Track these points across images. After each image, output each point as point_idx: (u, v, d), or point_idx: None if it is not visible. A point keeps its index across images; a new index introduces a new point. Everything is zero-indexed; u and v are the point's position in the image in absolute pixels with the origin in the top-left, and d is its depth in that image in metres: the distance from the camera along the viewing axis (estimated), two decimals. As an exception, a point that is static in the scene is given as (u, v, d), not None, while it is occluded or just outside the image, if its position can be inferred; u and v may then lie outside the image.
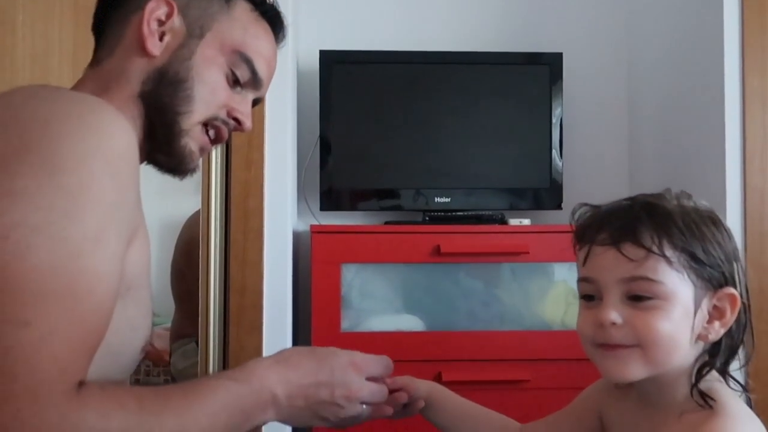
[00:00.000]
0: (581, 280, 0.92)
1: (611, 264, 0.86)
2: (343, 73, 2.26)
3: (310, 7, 2.42)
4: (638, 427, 0.93)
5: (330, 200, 2.25)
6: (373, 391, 1.00)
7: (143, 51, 0.98)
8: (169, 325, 2.64)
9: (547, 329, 2.03)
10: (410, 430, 1.91)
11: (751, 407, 0.88)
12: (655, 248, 0.84)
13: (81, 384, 0.76)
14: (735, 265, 0.88)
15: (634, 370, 0.87)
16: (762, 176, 1.85)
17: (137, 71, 0.98)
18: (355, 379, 0.98)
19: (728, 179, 1.86)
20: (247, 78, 1.03)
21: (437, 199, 2.27)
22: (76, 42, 1.01)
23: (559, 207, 2.29)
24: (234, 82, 1.03)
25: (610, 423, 1.00)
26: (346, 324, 2.00)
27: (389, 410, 1.05)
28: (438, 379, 1.91)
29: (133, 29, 0.99)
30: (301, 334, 2.16)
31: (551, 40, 2.46)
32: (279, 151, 1.93)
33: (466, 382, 1.93)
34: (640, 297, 0.85)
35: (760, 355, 1.61)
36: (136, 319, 0.92)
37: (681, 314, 0.85)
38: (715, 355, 0.88)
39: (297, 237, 2.17)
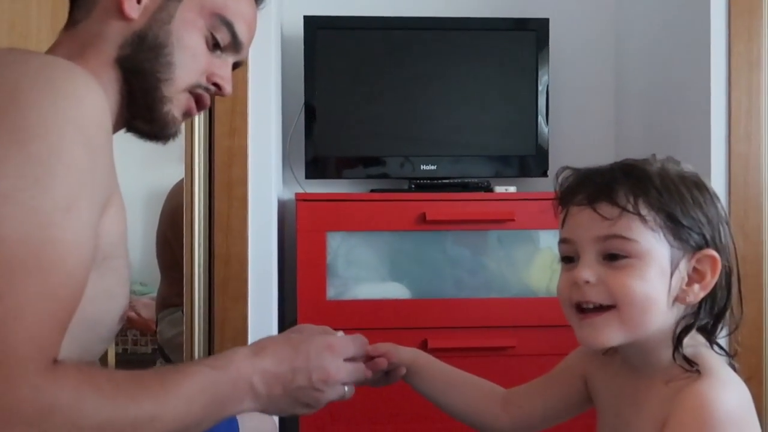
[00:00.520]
0: (560, 241, 0.92)
1: (587, 223, 0.87)
2: (327, 39, 2.24)
3: (293, -28, 2.38)
4: (624, 392, 0.93)
5: (315, 168, 2.24)
6: (351, 371, 0.99)
7: (121, 14, 0.95)
8: (155, 294, 2.64)
9: (533, 296, 2.03)
10: (398, 406, 1.92)
11: (736, 373, 0.87)
12: (629, 206, 0.84)
13: (56, 362, 0.75)
14: (721, 229, 0.87)
15: (610, 335, 0.87)
16: (747, 142, 1.85)
17: (114, 35, 0.95)
18: (332, 362, 0.96)
19: (713, 146, 1.86)
20: (227, 42, 1.02)
21: (423, 167, 2.26)
22: (54, 7, 0.99)
23: (545, 174, 2.29)
24: (214, 45, 1.01)
25: (595, 388, 1.00)
26: (332, 292, 2.00)
27: (368, 373, 1.04)
28: (424, 346, 1.92)
29: None
30: (287, 303, 2.16)
31: (538, 6, 2.43)
32: (263, 118, 1.91)
33: (452, 349, 1.94)
34: (615, 256, 0.85)
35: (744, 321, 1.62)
36: (114, 288, 0.91)
37: (656, 274, 0.85)
38: (697, 319, 0.87)
39: (282, 205, 2.16)
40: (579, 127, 2.48)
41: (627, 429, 0.91)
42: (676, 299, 0.86)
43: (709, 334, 0.89)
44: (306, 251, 1.96)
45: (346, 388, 0.99)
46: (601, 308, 0.86)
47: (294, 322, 2.00)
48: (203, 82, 1.01)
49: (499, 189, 2.14)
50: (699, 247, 0.85)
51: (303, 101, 2.25)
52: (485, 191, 2.18)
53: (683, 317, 0.87)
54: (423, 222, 2.00)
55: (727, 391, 0.82)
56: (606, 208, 0.85)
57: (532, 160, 2.30)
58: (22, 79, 0.79)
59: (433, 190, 2.20)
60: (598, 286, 0.86)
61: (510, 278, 2.08)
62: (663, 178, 0.86)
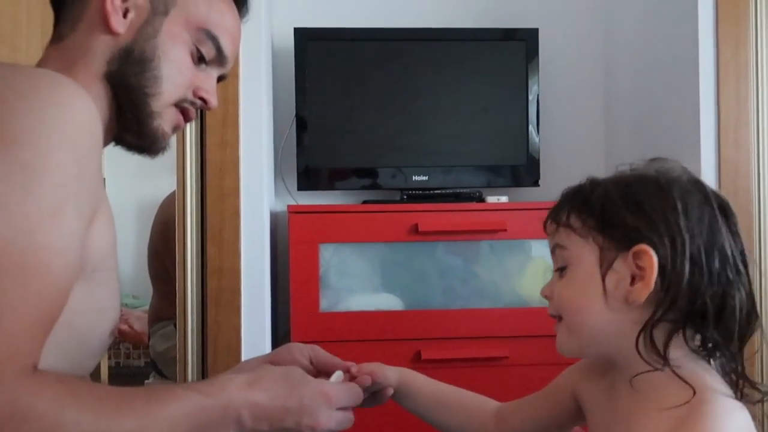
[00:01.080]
0: None
1: (549, 238, 0.93)
2: (318, 51, 2.24)
3: (283, -16, 2.39)
4: (616, 412, 0.90)
5: (307, 180, 2.24)
6: (340, 421, 0.98)
7: (107, 28, 0.95)
8: (147, 307, 2.62)
9: (526, 306, 2.04)
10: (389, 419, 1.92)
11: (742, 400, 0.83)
12: (563, 220, 0.89)
13: (35, 369, 0.74)
14: (672, 223, 0.82)
15: (563, 343, 0.90)
16: (736, 149, 1.87)
17: (102, 49, 0.96)
18: (324, 410, 0.95)
19: (703, 153, 1.87)
20: (212, 55, 1.02)
21: (415, 178, 2.26)
22: (44, 20, 0.99)
23: (536, 184, 2.29)
24: (199, 59, 1.01)
25: (587, 406, 0.99)
26: (325, 304, 1.99)
27: (353, 422, 1.03)
28: (417, 357, 1.92)
29: (96, 4, 0.96)
30: (280, 315, 2.16)
31: (527, 16, 2.45)
32: (254, 130, 1.91)
33: (445, 360, 1.94)
34: (561, 268, 0.89)
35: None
36: (104, 300, 0.91)
37: (584, 278, 0.86)
38: (659, 319, 0.82)
39: (274, 217, 2.16)
40: (570, 137, 2.49)
41: None
42: (627, 301, 0.83)
43: (708, 349, 0.84)
44: (299, 263, 1.96)
45: None
46: (560, 318, 0.91)
47: (287, 334, 1.99)
48: (189, 96, 1.01)
49: (491, 199, 2.14)
50: (634, 244, 0.83)
51: (294, 113, 2.25)
52: (477, 201, 2.19)
53: (653, 324, 0.83)
54: (415, 233, 2.00)
55: (728, 420, 0.79)
56: (550, 226, 0.92)
57: (524, 170, 2.30)
58: (8, 89, 0.79)
59: (425, 201, 2.20)
60: (552, 300, 0.91)
61: (503, 288, 2.08)
62: (599, 185, 0.88)
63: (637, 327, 0.83)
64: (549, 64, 2.41)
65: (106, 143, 1.00)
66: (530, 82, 2.30)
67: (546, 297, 0.92)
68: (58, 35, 0.99)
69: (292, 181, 2.28)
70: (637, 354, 0.83)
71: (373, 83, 2.28)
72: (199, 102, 1.03)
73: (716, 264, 0.82)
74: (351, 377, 1.06)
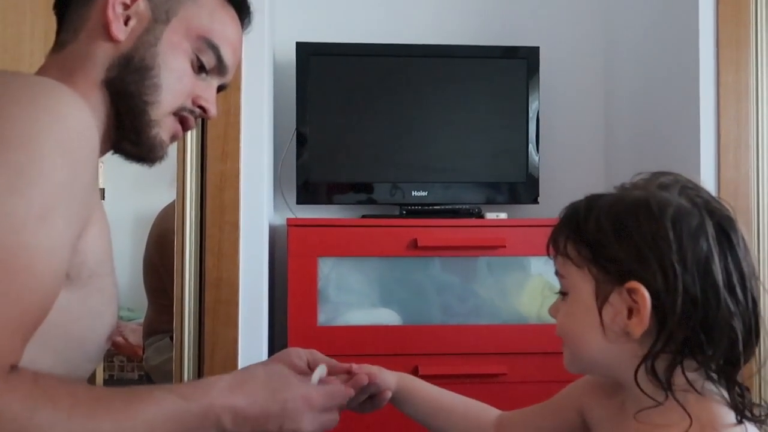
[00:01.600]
0: None
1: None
2: (319, 66, 2.25)
3: (286, -2, 2.40)
4: None
5: (307, 194, 2.24)
6: (324, 423, 0.98)
7: (108, 35, 0.96)
8: (142, 320, 2.61)
9: (524, 323, 2.03)
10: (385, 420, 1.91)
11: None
12: (560, 247, 0.88)
13: (13, 369, 0.74)
14: (663, 258, 0.80)
15: (568, 362, 0.91)
16: (736, 170, 1.87)
17: (102, 56, 0.96)
18: (306, 415, 0.95)
19: (703, 173, 1.88)
20: (212, 65, 1.02)
21: (414, 193, 2.27)
22: (47, 30, 0.99)
23: (535, 201, 2.30)
24: (199, 68, 1.01)
25: (594, 424, 0.98)
26: (323, 318, 1.99)
27: (351, 391, 1.03)
28: (415, 373, 1.90)
29: (97, 12, 0.96)
30: (278, 329, 2.15)
31: (528, 34, 2.46)
32: (255, 143, 1.91)
33: (443, 376, 1.93)
34: (563, 293, 0.89)
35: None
36: (100, 307, 0.90)
37: (582, 309, 0.86)
38: (657, 353, 0.81)
39: (273, 230, 2.16)
40: (569, 155, 2.49)
41: None
42: (625, 335, 0.83)
43: (713, 375, 0.83)
44: (297, 276, 1.96)
45: None
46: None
47: (284, 348, 1.98)
48: (189, 104, 1.01)
49: (490, 215, 2.14)
50: (626, 280, 0.82)
51: (294, 126, 2.25)
52: (476, 217, 2.19)
53: (653, 356, 0.82)
54: (414, 248, 2.00)
55: None
56: (551, 249, 0.91)
57: (523, 187, 2.31)
58: (5, 96, 0.79)
59: (424, 216, 2.20)
60: (557, 322, 0.91)
61: (501, 305, 2.08)
62: (592, 212, 0.85)
63: (636, 359, 0.82)
64: (549, 82, 2.42)
65: (104, 152, 1.00)
66: (530, 100, 2.30)
67: (552, 316, 0.92)
68: (60, 42, 0.99)
69: (292, 194, 2.28)
70: (638, 384, 0.82)
71: (374, 98, 2.29)
72: (198, 111, 1.03)
73: (712, 294, 0.80)
74: (349, 377, 1.06)
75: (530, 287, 2.05)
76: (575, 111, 2.52)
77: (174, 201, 1.95)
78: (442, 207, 2.26)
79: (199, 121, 1.81)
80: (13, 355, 0.74)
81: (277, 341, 2.13)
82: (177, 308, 1.87)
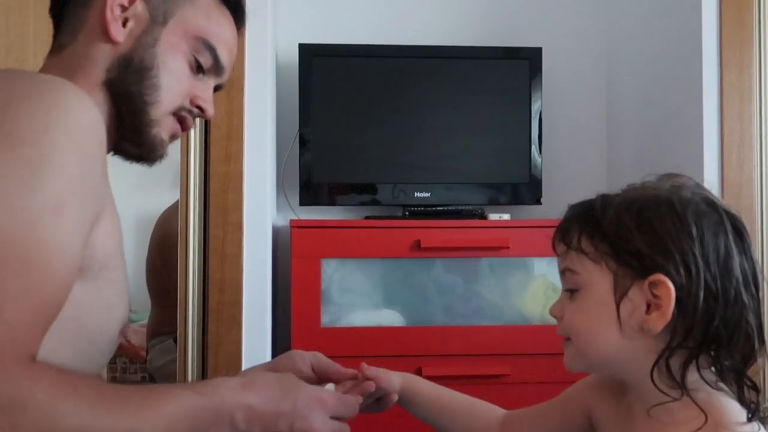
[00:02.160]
0: None
1: (558, 259, 0.91)
2: (322, 67, 2.25)
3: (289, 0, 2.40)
4: None
5: (309, 195, 2.24)
6: (335, 430, 0.98)
7: (107, 37, 0.97)
8: (146, 321, 2.61)
9: (527, 323, 2.03)
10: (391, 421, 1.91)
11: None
12: (573, 243, 0.87)
13: (35, 359, 0.75)
14: (687, 251, 0.80)
15: (571, 360, 0.90)
16: (739, 171, 1.87)
17: (101, 58, 0.97)
18: (318, 416, 0.95)
19: (706, 174, 1.87)
20: (209, 65, 1.04)
21: (417, 194, 2.26)
22: (51, 33, 1.00)
23: (538, 202, 2.29)
24: (196, 69, 1.03)
25: (600, 425, 0.97)
26: (326, 319, 1.99)
27: (359, 399, 1.03)
28: (418, 373, 1.86)
29: (96, 14, 0.97)
30: (281, 330, 2.15)
31: (531, 35, 2.46)
32: (258, 144, 1.91)
33: (447, 377, 1.92)
34: (572, 290, 0.88)
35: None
36: (111, 299, 0.91)
37: (597, 305, 0.84)
38: (674, 348, 0.81)
39: (276, 232, 2.16)
40: (572, 155, 2.49)
41: None
42: (642, 330, 0.82)
43: (724, 373, 0.83)
44: (300, 278, 1.96)
45: None
46: (568, 338, 0.90)
47: (288, 349, 1.98)
48: (187, 104, 1.03)
49: (493, 216, 2.14)
50: (649, 273, 0.81)
51: (297, 128, 2.26)
52: (479, 218, 2.18)
53: (669, 351, 0.82)
54: (417, 249, 2.00)
55: None
56: (559, 246, 0.90)
57: (525, 188, 2.31)
58: (14, 94, 0.80)
59: (427, 218, 2.20)
60: (561, 321, 0.90)
61: (504, 306, 2.07)
62: (611, 207, 0.85)
63: (651, 355, 0.82)
64: (552, 83, 2.42)
65: (106, 152, 1.01)
66: (533, 101, 2.30)
67: (555, 316, 0.91)
68: (58, 45, 1.00)
69: (294, 196, 2.28)
70: (652, 383, 0.82)
71: (376, 99, 2.29)
72: (196, 111, 1.04)
73: (731, 290, 0.80)
74: (357, 382, 1.06)
75: (533, 288, 2.05)
76: (578, 112, 2.52)
77: (176, 203, 1.95)
78: (445, 208, 2.26)
79: (201, 122, 1.83)
80: (33, 344, 0.75)
81: (280, 342, 2.13)
82: (180, 309, 1.88)
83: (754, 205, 1.86)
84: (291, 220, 2.01)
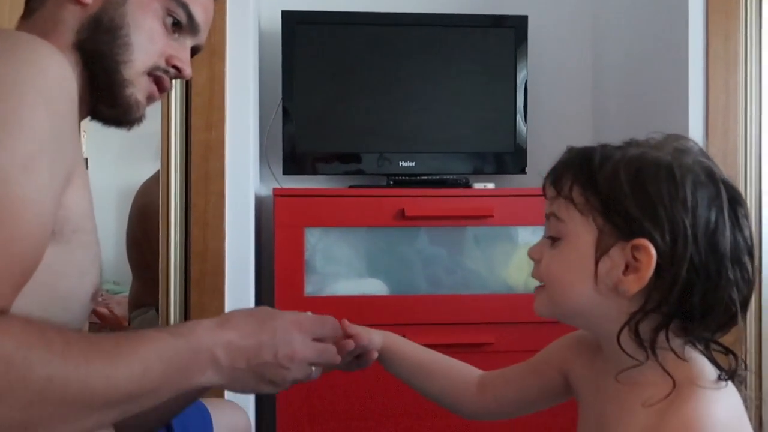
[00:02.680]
0: None
1: (545, 202, 0.90)
2: (305, 34, 2.22)
3: (271, -34, 2.37)
4: (608, 396, 0.89)
5: (293, 164, 2.22)
6: (318, 351, 0.97)
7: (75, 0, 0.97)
8: (128, 293, 2.60)
9: (511, 292, 2.04)
10: (376, 403, 1.91)
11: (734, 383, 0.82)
12: (564, 190, 0.85)
13: (4, 312, 0.73)
14: (679, 220, 0.79)
15: (541, 306, 0.90)
16: (725, 140, 1.87)
17: (71, 20, 0.97)
18: (298, 339, 0.94)
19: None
20: (184, 23, 1.03)
21: (401, 163, 2.25)
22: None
23: (523, 171, 2.29)
24: (171, 27, 1.02)
25: (577, 383, 0.98)
26: (310, 288, 1.98)
27: (337, 358, 1.02)
28: (402, 342, 1.91)
29: None
30: (264, 299, 2.14)
31: (516, 3, 2.44)
32: (240, 112, 1.89)
33: (430, 346, 1.90)
34: (554, 238, 0.87)
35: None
36: (83, 263, 0.90)
37: (576, 256, 0.84)
38: (648, 314, 0.81)
39: (259, 201, 2.14)
40: (557, 124, 2.48)
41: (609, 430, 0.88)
42: (616, 289, 0.82)
43: (694, 340, 0.83)
44: (284, 247, 1.95)
45: (313, 369, 0.97)
46: (542, 284, 0.90)
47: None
48: (162, 64, 1.02)
49: (478, 185, 2.14)
50: (634, 236, 0.80)
51: (280, 96, 2.23)
52: (464, 188, 2.18)
53: (641, 314, 0.81)
54: (401, 218, 1.99)
55: (712, 403, 0.78)
56: (549, 190, 0.89)
57: (510, 157, 2.30)
58: None
59: (412, 187, 2.19)
60: (539, 264, 0.89)
61: (488, 275, 2.08)
62: (610, 162, 0.83)
63: (623, 316, 0.82)
64: (537, 52, 2.41)
65: (82, 117, 1.00)
66: (518, 69, 2.29)
67: (533, 259, 0.90)
68: (28, 10, 1.00)
69: (278, 165, 2.26)
70: (620, 338, 0.82)
71: (360, 67, 2.27)
72: (173, 71, 1.04)
73: (715, 265, 0.80)
74: (338, 337, 1.05)
75: (517, 257, 2.05)
76: (563, 81, 2.51)
77: (155, 173, 1.93)
78: (430, 177, 2.25)
79: (183, 89, 1.80)
80: (3, 300, 0.73)
81: (264, 312, 2.13)
82: (162, 280, 1.86)
83: (738, 174, 1.86)
84: (274, 189, 1.99)
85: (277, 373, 0.93)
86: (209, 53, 1.80)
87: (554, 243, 0.87)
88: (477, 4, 2.43)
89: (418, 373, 1.11)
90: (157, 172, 1.93)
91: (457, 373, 1.11)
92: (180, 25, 1.03)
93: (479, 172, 2.29)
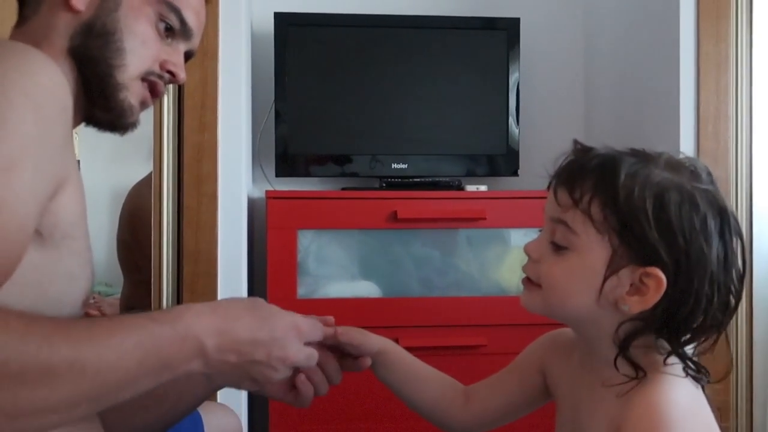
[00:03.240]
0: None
1: (550, 203, 0.87)
2: (298, 36, 2.22)
3: (264, -32, 2.36)
4: (582, 390, 0.91)
5: (285, 166, 2.22)
6: (309, 356, 0.96)
7: (67, 6, 0.96)
8: (119, 295, 2.60)
9: (504, 294, 2.04)
10: (368, 406, 1.91)
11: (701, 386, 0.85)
12: (582, 203, 0.82)
13: None
14: (692, 251, 0.80)
15: (533, 304, 0.89)
16: (715, 140, 1.88)
17: (64, 27, 0.97)
18: (294, 343, 0.92)
19: (682, 144, 1.88)
20: (176, 28, 1.03)
21: (394, 165, 2.25)
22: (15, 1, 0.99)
23: (515, 173, 2.29)
24: (164, 32, 1.02)
25: (554, 382, 0.99)
26: (303, 290, 1.98)
27: (314, 364, 0.99)
28: (395, 344, 1.91)
29: None
30: (257, 301, 2.14)
31: (509, 5, 2.44)
32: (233, 113, 1.89)
33: (424, 348, 1.92)
34: (559, 246, 0.85)
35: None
36: (74, 269, 0.89)
37: (584, 271, 0.83)
38: (642, 329, 0.83)
39: (252, 204, 2.14)
40: (549, 127, 2.49)
41: (582, 427, 0.90)
42: (615, 306, 0.83)
43: (672, 345, 0.84)
44: (276, 249, 1.95)
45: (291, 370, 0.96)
46: (535, 283, 0.89)
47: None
48: (156, 69, 1.02)
49: (470, 188, 2.14)
50: (648, 263, 0.80)
51: (273, 98, 2.23)
52: (456, 190, 2.18)
53: (627, 321, 0.83)
54: (394, 220, 1.99)
55: (674, 388, 0.81)
56: (563, 196, 0.85)
57: (503, 160, 2.30)
58: None
59: (404, 189, 2.19)
60: (537, 264, 0.88)
61: (481, 277, 2.08)
62: (635, 182, 0.81)
63: (614, 324, 0.84)
64: (530, 54, 2.41)
65: (77, 123, 1.00)
66: (511, 72, 2.29)
67: (530, 256, 0.89)
68: (21, 18, 1.00)
69: (271, 167, 2.26)
70: (611, 348, 0.84)
71: (353, 70, 2.27)
72: (167, 76, 1.03)
73: (719, 297, 0.81)
74: (335, 341, 1.04)
75: (510, 259, 2.06)
76: (555, 83, 2.51)
77: (146, 176, 1.93)
78: (422, 179, 2.25)
79: (175, 91, 1.79)
80: None
81: (256, 314, 2.12)
82: (155, 281, 1.86)
83: (729, 177, 1.87)
84: (267, 191, 1.99)
85: (264, 373, 0.91)
86: (202, 55, 1.79)
87: (560, 251, 0.85)
88: (469, 7, 2.43)
89: (411, 382, 1.10)
90: (147, 175, 1.93)
91: (448, 384, 1.10)
92: (173, 30, 1.03)
93: (472, 174, 2.30)
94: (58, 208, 0.83)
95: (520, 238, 2.05)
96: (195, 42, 1.08)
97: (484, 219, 2.02)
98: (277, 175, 2.22)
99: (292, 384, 1.03)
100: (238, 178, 1.90)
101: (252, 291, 2.08)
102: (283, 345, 0.91)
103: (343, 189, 2.24)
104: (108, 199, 2.95)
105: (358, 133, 2.27)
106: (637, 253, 0.81)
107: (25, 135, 0.76)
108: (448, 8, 2.42)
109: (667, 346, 0.85)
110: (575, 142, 0.90)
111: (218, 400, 1.65)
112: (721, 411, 1.82)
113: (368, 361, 1.09)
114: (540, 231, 0.91)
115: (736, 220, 0.84)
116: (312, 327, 0.98)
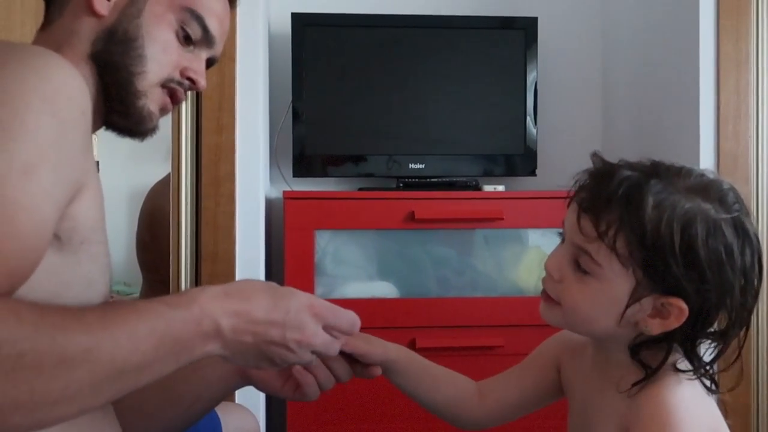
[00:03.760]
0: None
1: (571, 226, 0.86)
2: (315, 37, 2.22)
3: (281, -32, 2.37)
4: (594, 388, 0.92)
5: (303, 166, 2.23)
6: (326, 342, 0.92)
7: (91, 11, 0.97)
8: (138, 295, 2.61)
9: (521, 295, 2.03)
10: (384, 406, 1.91)
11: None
12: (607, 237, 0.81)
13: None
14: (713, 288, 0.80)
15: (553, 319, 0.90)
16: (735, 141, 1.86)
17: (86, 31, 0.97)
18: (310, 324, 0.89)
19: (702, 145, 1.86)
20: (198, 36, 1.03)
21: (411, 165, 2.25)
22: (38, 4, 0.99)
23: (533, 173, 2.28)
24: (185, 40, 1.02)
25: (567, 378, 1.00)
26: (320, 291, 1.98)
27: (336, 353, 0.97)
28: (412, 345, 1.91)
29: None
30: (274, 302, 2.14)
31: (526, 5, 2.43)
32: (251, 115, 1.89)
33: (441, 349, 1.93)
34: (583, 270, 0.85)
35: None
36: (93, 275, 0.89)
37: (607, 299, 0.84)
38: (661, 340, 0.84)
39: (270, 204, 2.15)
40: (567, 127, 2.48)
41: (592, 426, 0.91)
42: (636, 325, 0.84)
43: (685, 352, 0.86)
44: (294, 249, 1.95)
45: (315, 357, 0.94)
46: (554, 299, 0.89)
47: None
48: (176, 76, 1.02)
49: (488, 188, 2.13)
50: (671, 293, 0.81)
51: (290, 99, 2.23)
52: (473, 190, 2.18)
53: (643, 334, 0.85)
54: (411, 221, 1.99)
55: (684, 389, 0.83)
56: (587, 225, 0.83)
57: (520, 159, 2.30)
58: None
59: (421, 189, 2.19)
60: (557, 284, 0.88)
61: (498, 277, 2.07)
62: (661, 215, 0.79)
63: (631, 336, 0.86)
64: (547, 54, 2.40)
65: (96, 127, 1.00)
66: (528, 71, 2.28)
67: (551, 273, 0.88)
68: (47, 21, 1.01)
69: (288, 167, 2.26)
70: (625, 354, 0.86)
71: (370, 70, 2.27)
72: (187, 83, 1.03)
73: (738, 319, 0.83)
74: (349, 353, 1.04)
75: (527, 259, 2.05)
76: (574, 82, 2.50)
77: (165, 176, 1.94)
78: (440, 179, 2.25)
79: (193, 93, 1.80)
80: None
81: (274, 314, 2.13)
82: (173, 282, 1.87)
83: (749, 177, 1.85)
84: (284, 192, 2.00)
85: (280, 354, 0.89)
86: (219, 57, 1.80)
87: (583, 277, 0.85)
88: (486, 6, 2.42)
89: (423, 385, 1.09)
90: (166, 175, 1.94)
91: (460, 383, 1.10)
92: (195, 37, 1.02)
93: (489, 174, 2.29)
94: (77, 212, 0.84)
95: (538, 238, 2.05)
96: (218, 49, 1.07)
97: (502, 219, 2.02)
98: (294, 176, 2.23)
99: (286, 376, 1.04)
100: (255, 179, 1.90)
101: (270, 291, 2.08)
102: (298, 325, 0.88)
103: (360, 189, 2.24)
104: (126, 199, 2.97)
105: (375, 134, 2.27)
106: (659, 284, 0.81)
107: (43, 139, 0.76)
108: (465, 8, 2.41)
109: (679, 348, 0.86)
110: (594, 155, 0.88)
111: (236, 401, 1.66)
112: (741, 413, 1.80)
113: (378, 370, 1.07)
114: (558, 234, 0.91)
115: (758, 242, 0.84)
116: (332, 312, 0.94)
